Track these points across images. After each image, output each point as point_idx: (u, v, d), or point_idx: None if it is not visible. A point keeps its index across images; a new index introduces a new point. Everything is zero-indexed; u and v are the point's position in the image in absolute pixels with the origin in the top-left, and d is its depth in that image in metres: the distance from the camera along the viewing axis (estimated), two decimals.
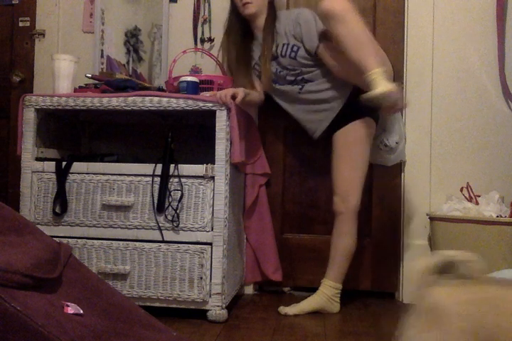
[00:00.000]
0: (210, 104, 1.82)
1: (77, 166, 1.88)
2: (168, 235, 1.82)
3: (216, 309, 1.79)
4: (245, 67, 2.10)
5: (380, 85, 1.70)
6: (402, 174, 2.23)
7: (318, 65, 2.00)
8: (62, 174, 1.87)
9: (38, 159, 1.92)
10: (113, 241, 1.83)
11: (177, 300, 1.80)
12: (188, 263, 1.79)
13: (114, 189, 1.85)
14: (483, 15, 2.20)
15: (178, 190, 1.81)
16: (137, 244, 1.82)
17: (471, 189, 2.07)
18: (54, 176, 1.88)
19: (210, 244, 1.80)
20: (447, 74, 2.21)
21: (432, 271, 0.83)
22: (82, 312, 1.03)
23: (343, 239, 1.96)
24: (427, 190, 2.20)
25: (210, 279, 1.79)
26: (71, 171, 1.88)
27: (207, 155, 1.86)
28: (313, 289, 2.03)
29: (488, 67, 2.19)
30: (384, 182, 2.25)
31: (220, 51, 2.25)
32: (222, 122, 1.81)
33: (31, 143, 1.90)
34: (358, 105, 1.88)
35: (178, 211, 1.81)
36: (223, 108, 1.81)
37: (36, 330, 0.90)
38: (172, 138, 1.87)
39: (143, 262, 1.81)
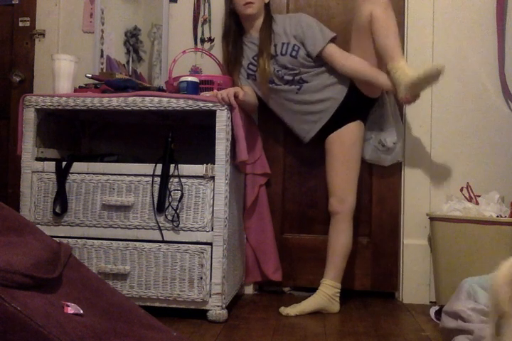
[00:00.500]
0: (210, 104, 1.82)
1: (77, 166, 1.88)
2: (168, 235, 1.82)
3: (216, 309, 1.79)
4: (241, 67, 2.11)
5: (411, 70, 1.77)
6: (402, 174, 2.23)
7: (317, 66, 2.02)
8: (62, 174, 1.87)
9: (38, 159, 1.92)
10: (113, 241, 1.84)
11: (177, 300, 1.80)
12: (188, 263, 1.79)
13: (114, 189, 1.85)
14: (483, 15, 2.20)
15: (178, 190, 1.81)
16: (137, 244, 1.82)
17: (471, 189, 2.07)
18: (54, 176, 1.88)
19: (210, 244, 1.80)
20: (447, 74, 2.19)
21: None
22: (82, 312, 1.03)
23: (340, 238, 1.99)
24: (426, 190, 2.19)
25: (210, 279, 1.79)
26: (71, 171, 1.88)
27: (207, 155, 1.86)
28: (313, 289, 2.03)
29: (488, 67, 2.19)
30: (384, 182, 2.26)
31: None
32: (222, 122, 1.81)
33: (31, 143, 1.90)
34: (352, 106, 1.96)
35: (178, 211, 1.81)
36: (223, 108, 1.81)
37: (36, 330, 0.90)
38: (172, 138, 1.87)
39: (143, 262, 1.81)
